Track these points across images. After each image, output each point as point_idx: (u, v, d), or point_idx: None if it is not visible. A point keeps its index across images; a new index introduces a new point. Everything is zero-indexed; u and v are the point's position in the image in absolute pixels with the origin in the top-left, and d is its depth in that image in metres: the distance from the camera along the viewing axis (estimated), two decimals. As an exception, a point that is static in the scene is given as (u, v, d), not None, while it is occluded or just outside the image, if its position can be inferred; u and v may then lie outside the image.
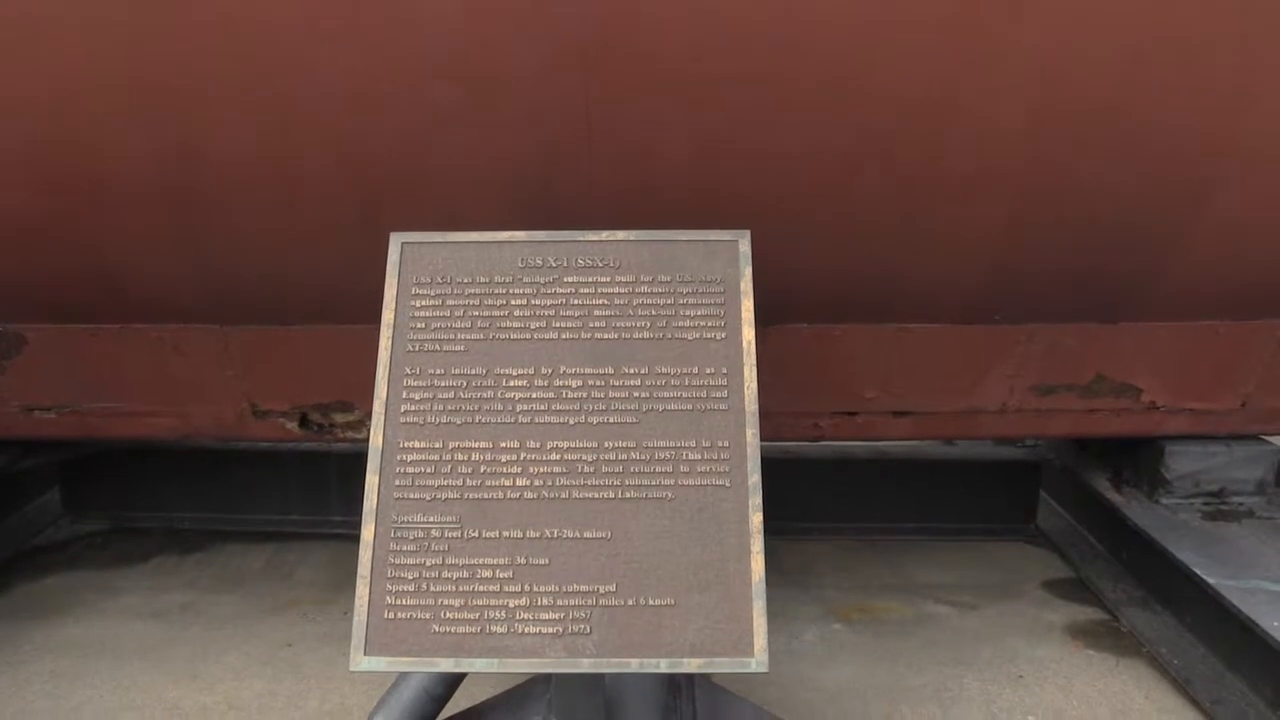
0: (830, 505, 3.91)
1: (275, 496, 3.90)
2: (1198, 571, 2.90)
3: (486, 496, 1.67)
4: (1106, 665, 3.00)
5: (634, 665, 1.54)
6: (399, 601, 1.60)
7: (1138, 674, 2.95)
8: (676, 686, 2.30)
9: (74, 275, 2.74)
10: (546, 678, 2.23)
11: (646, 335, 1.78)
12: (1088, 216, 2.55)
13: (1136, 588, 3.34)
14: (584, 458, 1.69)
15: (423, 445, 1.71)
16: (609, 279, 1.82)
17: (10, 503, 3.78)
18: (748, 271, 1.80)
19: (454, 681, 2.17)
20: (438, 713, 2.13)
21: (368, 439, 1.77)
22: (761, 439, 3.29)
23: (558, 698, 1.93)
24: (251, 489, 3.90)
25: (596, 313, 1.80)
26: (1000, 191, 2.47)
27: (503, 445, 1.71)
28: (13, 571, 3.55)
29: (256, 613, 3.28)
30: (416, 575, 1.62)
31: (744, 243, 1.83)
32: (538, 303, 1.81)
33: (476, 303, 1.82)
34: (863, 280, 2.74)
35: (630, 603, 1.59)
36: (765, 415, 3.22)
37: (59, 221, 2.57)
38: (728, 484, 1.66)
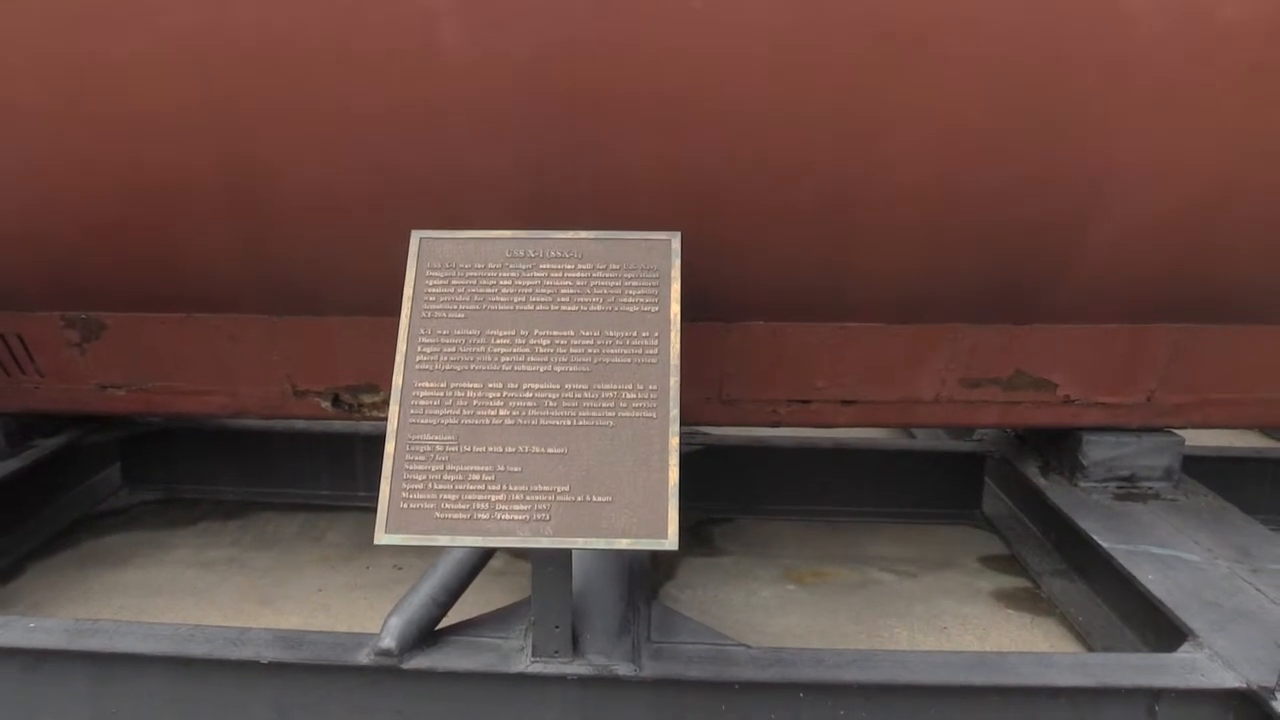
0: (796, 490, 4.25)
1: (308, 473, 4.32)
2: (1096, 538, 3.24)
3: (477, 422, 2.21)
4: (1022, 621, 3.41)
5: (580, 543, 2.06)
6: (410, 496, 2.13)
7: (1047, 629, 3.35)
8: (635, 607, 2.76)
9: (150, 272, 3.11)
10: (528, 602, 2.70)
11: (599, 308, 2.31)
12: (991, 236, 2.91)
13: (1060, 562, 3.66)
14: (549, 396, 2.22)
15: (431, 385, 2.24)
16: (573, 266, 2.36)
17: (78, 474, 4.23)
18: (677, 263, 2.33)
19: (457, 591, 2.65)
20: (441, 617, 2.60)
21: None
22: (728, 424, 3.78)
23: (535, 599, 2.42)
24: (287, 466, 4.33)
25: (563, 291, 2.33)
26: (915, 219, 2.87)
27: (490, 386, 2.24)
28: (80, 531, 4.03)
29: (292, 566, 3.73)
30: (424, 477, 2.14)
31: (675, 241, 2.36)
32: (520, 283, 2.35)
33: (474, 282, 2.36)
34: (808, 285, 3.10)
35: (580, 499, 2.11)
36: (731, 402, 3.68)
37: (139, 227, 2.93)
38: (654, 416, 2.18)
